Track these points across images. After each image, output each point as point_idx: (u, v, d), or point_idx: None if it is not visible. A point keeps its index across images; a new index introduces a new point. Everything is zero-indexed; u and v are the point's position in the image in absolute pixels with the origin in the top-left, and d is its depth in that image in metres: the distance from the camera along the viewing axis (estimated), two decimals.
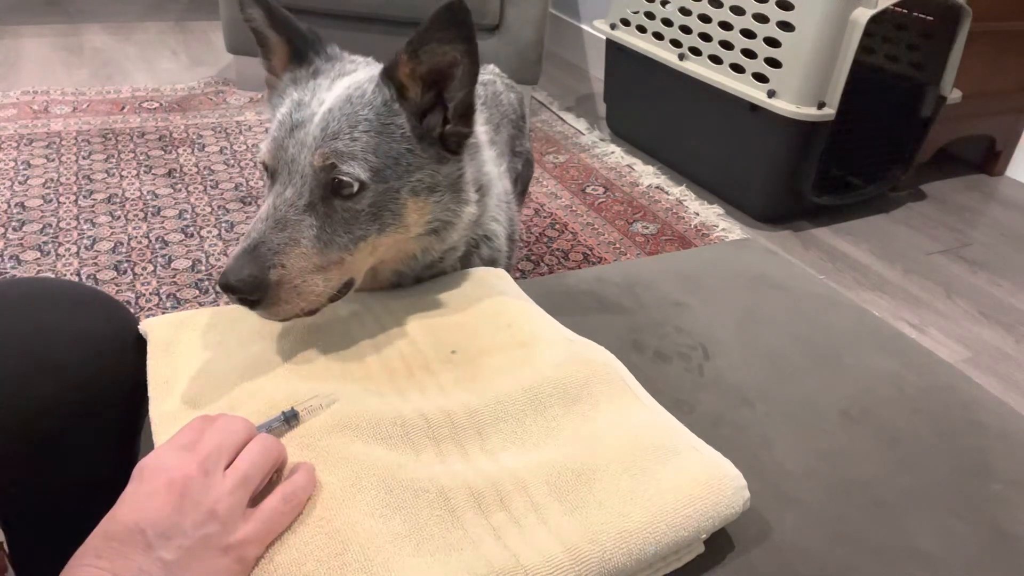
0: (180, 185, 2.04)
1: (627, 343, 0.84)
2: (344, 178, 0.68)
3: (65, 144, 2.19)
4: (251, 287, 0.65)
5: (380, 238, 0.73)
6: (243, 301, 0.66)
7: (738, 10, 2.04)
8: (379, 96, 0.71)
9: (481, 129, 0.85)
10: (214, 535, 0.48)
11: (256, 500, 0.52)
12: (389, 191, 0.71)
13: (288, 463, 0.57)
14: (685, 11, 2.21)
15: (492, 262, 0.89)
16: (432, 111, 0.74)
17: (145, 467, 0.51)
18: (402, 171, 0.71)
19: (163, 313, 1.42)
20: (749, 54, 2.04)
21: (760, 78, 2.02)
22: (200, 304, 1.57)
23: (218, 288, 0.66)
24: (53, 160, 2.09)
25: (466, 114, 0.74)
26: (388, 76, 0.72)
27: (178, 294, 1.60)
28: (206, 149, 2.25)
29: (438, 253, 0.81)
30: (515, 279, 0.88)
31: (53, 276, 1.62)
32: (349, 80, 0.73)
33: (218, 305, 1.60)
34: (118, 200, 1.93)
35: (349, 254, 0.70)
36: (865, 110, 2.09)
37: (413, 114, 0.72)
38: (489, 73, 1.40)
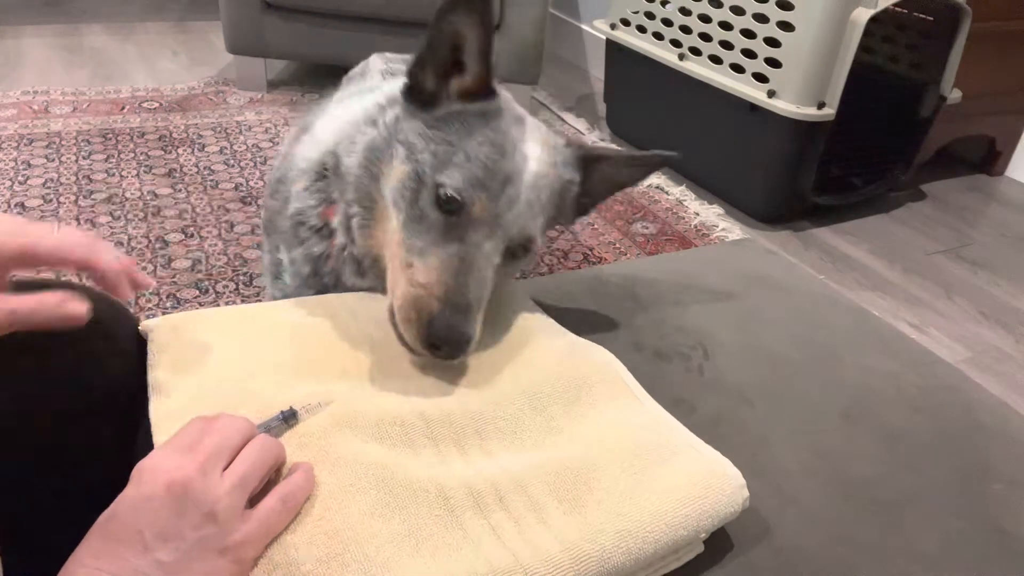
0: (180, 185, 2.04)
1: (627, 343, 0.84)
2: (533, 248, 0.73)
3: (65, 144, 2.19)
4: (467, 346, 0.67)
5: None
6: (452, 357, 0.67)
7: (738, 10, 2.04)
8: (569, 172, 0.77)
9: None
10: (212, 536, 0.48)
11: (254, 500, 0.52)
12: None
13: (287, 463, 0.57)
14: (685, 11, 2.21)
15: None
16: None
17: (144, 468, 0.51)
18: (545, 231, 0.77)
19: (163, 313, 1.42)
20: (749, 54, 2.04)
21: (760, 78, 2.02)
22: (200, 304, 1.57)
23: (430, 340, 0.65)
24: (53, 160, 2.09)
25: (597, 202, 0.87)
26: (585, 160, 0.79)
27: (178, 294, 1.60)
28: (206, 149, 2.25)
29: None
30: (515, 279, 0.88)
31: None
32: (541, 137, 0.76)
33: (218, 306, 1.60)
34: (118, 200, 1.93)
35: None
36: (865, 110, 2.09)
37: (581, 186, 0.80)
38: None
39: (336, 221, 0.81)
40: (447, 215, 0.69)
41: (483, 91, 0.74)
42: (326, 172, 0.82)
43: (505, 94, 0.78)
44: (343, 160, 0.78)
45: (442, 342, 0.65)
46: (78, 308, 0.54)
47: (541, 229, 0.74)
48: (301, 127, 0.95)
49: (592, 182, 0.81)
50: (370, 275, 0.81)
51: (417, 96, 0.75)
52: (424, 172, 0.70)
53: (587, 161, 0.80)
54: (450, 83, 0.75)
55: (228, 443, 0.53)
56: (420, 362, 0.71)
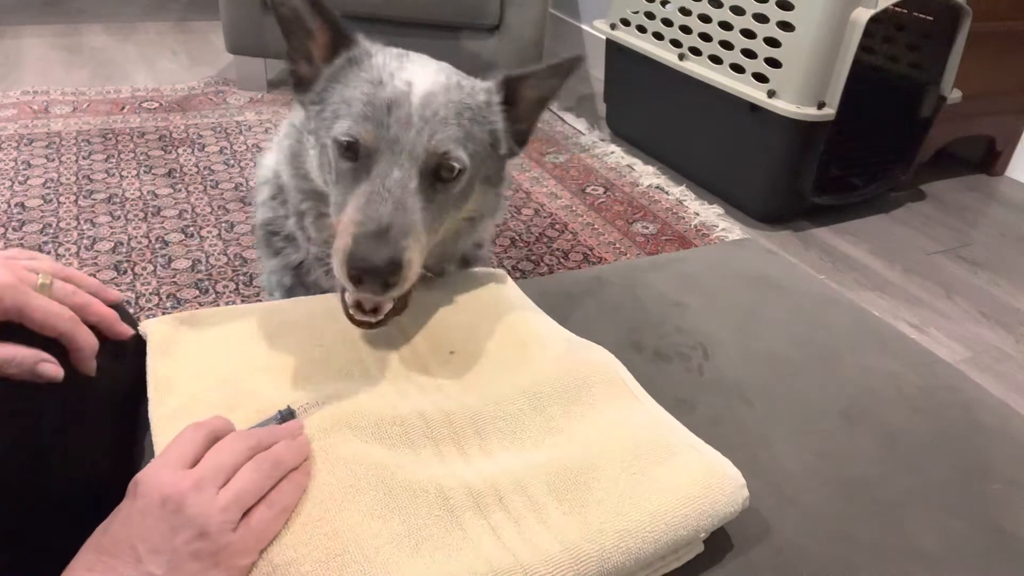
0: (180, 185, 2.04)
1: (627, 343, 0.84)
2: (453, 163, 0.70)
3: (65, 144, 2.19)
4: (391, 270, 0.64)
5: (451, 223, 0.76)
6: (381, 286, 0.65)
7: (738, 10, 2.04)
8: (482, 94, 0.76)
9: None
10: (204, 551, 0.48)
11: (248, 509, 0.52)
12: (472, 179, 0.74)
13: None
14: (685, 11, 2.21)
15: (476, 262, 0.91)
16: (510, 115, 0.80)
17: (140, 482, 0.51)
18: (480, 161, 0.75)
19: (163, 313, 1.42)
20: (749, 54, 2.04)
21: (760, 78, 2.02)
22: (200, 304, 1.57)
23: (350, 273, 0.63)
24: (53, 160, 2.09)
25: (533, 125, 0.85)
26: (507, 84, 0.78)
27: (178, 294, 1.60)
28: (206, 149, 2.25)
29: (467, 245, 0.85)
30: (515, 279, 0.88)
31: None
32: (434, 66, 0.75)
33: (218, 306, 1.60)
34: (118, 200, 1.93)
35: (435, 235, 0.72)
36: (865, 110, 2.09)
37: (507, 119, 0.79)
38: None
39: (292, 227, 0.84)
40: (351, 162, 0.69)
41: (339, 41, 0.75)
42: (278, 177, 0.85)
43: (379, 46, 0.79)
44: (282, 175, 0.81)
45: (360, 274, 0.63)
46: (53, 372, 0.56)
47: (458, 144, 0.71)
48: (277, 132, 0.96)
49: (521, 106, 0.81)
50: None
51: (300, 88, 0.77)
52: (324, 139, 0.72)
53: (511, 84, 0.79)
54: (310, 51, 0.76)
55: (228, 463, 0.53)
56: (419, 362, 0.71)
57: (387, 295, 0.67)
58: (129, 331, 0.66)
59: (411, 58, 0.76)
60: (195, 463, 0.53)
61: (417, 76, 0.72)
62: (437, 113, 0.70)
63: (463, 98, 0.73)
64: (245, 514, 0.52)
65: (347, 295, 0.71)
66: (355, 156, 0.69)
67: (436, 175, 0.70)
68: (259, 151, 2.25)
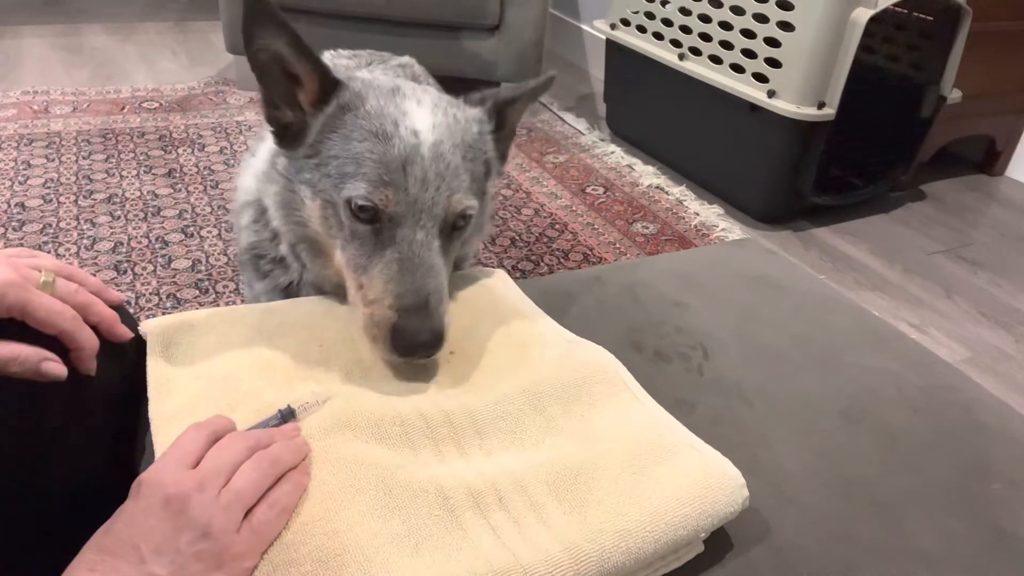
0: (180, 185, 2.04)
1: (627, 343, 0.84)
2: (469, 213, 0.72)
3: (65, 144, 2.19)
4: (439, 341, 0.67)
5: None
6: (427, 356, 0.67)
7: (738, 10, 2.04)
8: (475, 124, 0.76)
9: None
10: (207, 551, 0.48)
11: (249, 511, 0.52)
12: (477, 215, 0.75)
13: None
14: (685, 11, 2.21)
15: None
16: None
17: (143, 482, 0.51)
18: (482, 197, 0.76)
19: (163, 313, 1.42)
20: (749, 54, 2.04)
21: (760, 78, 2.02)
22: (200, 304, 1.57)
23: (400, 350, 0.66)
24: (53, 160, 2.09)
25: (511, 137, 0.85)
26: (497, 110, 0.78)
27: (178, 294, 1.60)
28: (206, 149, 2.25)
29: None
30: (515, 279, 0.88)
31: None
32: (429, 101, 0.73)
33: (218, 306, 1.60)
34: (118, 200, 1.93)
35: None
36: (865, 110, 2.09)
37: (495, 135, 0.79)
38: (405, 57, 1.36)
39: (283, 251, 0.82)
40: (370, 224, 0.69)
41: (327, 84, 0.72)
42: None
43: (361, 75, 0.77)
44: (271, 217, 0.79)
45: (411, 349, 0.66)
46: (57, 371, 0.56)
47: (470, 192, 0.71)
48: (251, 149, 0.93)
49: (507, 128, 0.82)
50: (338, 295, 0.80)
51: (286, 136, 0.74)
52: (330, 197, 0.70)
53: (501, 109, 0.79)
54: (299, 101, 0.73)
55: (229, 462, 0.53)
56: (419, 363, 0.71)
57: (430, 359, 0.68)
58: (128, 334, 0.65)
59: (403, 93, 0.73)
60: (197, 463, 0.53)
61: (420, 121, 0.70)
62: (449, 164, 0.69)
63: (463, 136, 0.73)
64: (247, 514, 0.52)
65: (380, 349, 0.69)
66: (372, 219, 0.68)
67: (453, 227, 0.72)
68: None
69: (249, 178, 0.86)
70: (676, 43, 2.27)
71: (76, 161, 2.10)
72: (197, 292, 1.61)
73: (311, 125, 0.73)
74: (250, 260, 0.87)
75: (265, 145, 0.86)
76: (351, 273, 0.71)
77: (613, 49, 2.54)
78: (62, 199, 1.91)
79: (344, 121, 0.71)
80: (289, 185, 0.74)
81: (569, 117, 2.76)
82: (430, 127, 0.70)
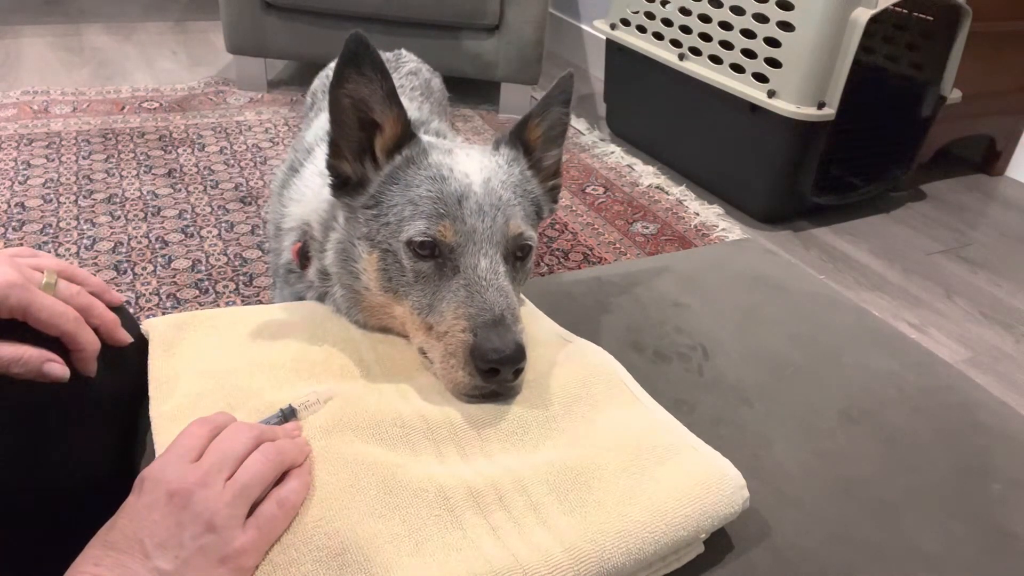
0: (180, 185, 2.04)
1: (627, 343, 0.84)
2: (528, 242, 0.73)
3: (65, 144, 2.19)
4: (521, 355, 0.65)
5: None
6: (514, 373, 0.65)
7: (738, 10, 2.04)
8: (515, 165, 0.77)
9: None
10: (212, 546, 0.48)
11: (254, 504, 0.52)
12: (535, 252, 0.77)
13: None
14: (685, 11, 2.21)
15: None
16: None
17: (146, 478, 0.51)
18: (533, 224, 0.77)
19: (163, 313, 1.42)
20: (749, 54, 2.04)
21: (760, 78, 2.02)
22: (200, 304, 1.57)
23: (484, 367, 0.63)
24: (53, 160, 2.09)
25: (559, 169, 0.84)
26: (518, 138, 0.78)
27: (178, 294, 1.60)
28: (206, 149, 2.25)
29: None
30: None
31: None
32: (477, 153, 0.76)
33: (218, 306, 1.60)
34: (118, 200, 1.93)
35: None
36: (865, 110, 2.09)
37: (535, 170, 0.80)
38: (410, 60, 1.35)
39: (312, 273, 0.81)
40: (431, 260, 0.69)
41: (406, 134, 0.73)
42: (307, 230, 0.83)
43: (427, 138, 0.78)
44: (324, 258, 0.78)
45: (494, 363, 0.63)
46: (60, 372, 0.56)
47: (526, 222, 0.73)
48: (289, 167, 0.95)
49: (536, 153, 0.80)
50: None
51: (346, 189, 0.74)
52: (391, 245, 0.70)
53: (519, 136, 0.78)
54: (374, 146, 0.73)
55: (232, 454, 0.53)
56: (419, 363, 0.71)
57: (517, 383, 0.67)
58: (128, 338, 0.65)
59: (457, 154, 0.75)
60: (200, 458, 0.53)
61: (471, 167, 0.72)
62: (501, 196, 0.71)
63: (511, 176, 0.75)
64: (253, 508, 0.52)
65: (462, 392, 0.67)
66: (432, 254, 0.69)
67: (515, 256, 0.72)
68: (259, 151, 2.25)
69: (298, 205, 0.86)
70: (676, 43, 2.27)
71: (76, 161, 2.10)
72: (197, 292, 1.61)
73: (372, 180, 0.73)
74: (284, 274, 0.89)
75: (312, 167, 0.88)
76: (416, 319, 0.70)
77: (613, 49, 2.54)
78: (62, 199, 1.91)
79: (406, 173, 0.72)
80: (348, 237, 0.74)
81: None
82: (479, 169, 0.73)
